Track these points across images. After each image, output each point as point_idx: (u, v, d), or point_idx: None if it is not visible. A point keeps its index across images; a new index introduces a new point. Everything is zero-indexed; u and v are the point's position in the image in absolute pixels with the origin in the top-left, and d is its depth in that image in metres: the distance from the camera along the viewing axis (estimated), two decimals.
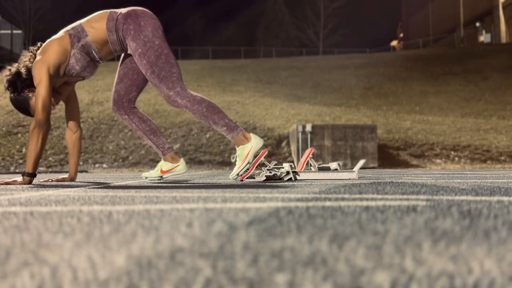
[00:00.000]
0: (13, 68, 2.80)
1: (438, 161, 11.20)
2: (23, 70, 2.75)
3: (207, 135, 12.23)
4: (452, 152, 11.61)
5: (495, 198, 1.32)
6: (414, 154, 11.52)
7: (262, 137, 12.00)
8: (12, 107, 14.84)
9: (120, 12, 2.80)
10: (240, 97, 16.70)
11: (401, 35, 52.98)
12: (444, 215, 0.93)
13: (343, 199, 1.35)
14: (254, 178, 2.99)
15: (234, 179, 2.93)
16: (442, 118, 14.74)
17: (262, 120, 13.65)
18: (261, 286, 0.43)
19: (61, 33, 2.81)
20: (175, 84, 2.73)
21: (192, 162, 11.15)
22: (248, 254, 0.56)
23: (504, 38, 34.63)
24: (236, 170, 2.88)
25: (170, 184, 2.50)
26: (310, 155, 3.39)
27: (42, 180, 3.05)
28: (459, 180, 2.68)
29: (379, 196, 1.42)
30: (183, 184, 2.49)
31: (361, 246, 0.61)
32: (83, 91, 16.59)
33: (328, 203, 1.21)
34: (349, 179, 3.02)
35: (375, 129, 10.30)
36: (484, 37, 35.46)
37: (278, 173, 2.97)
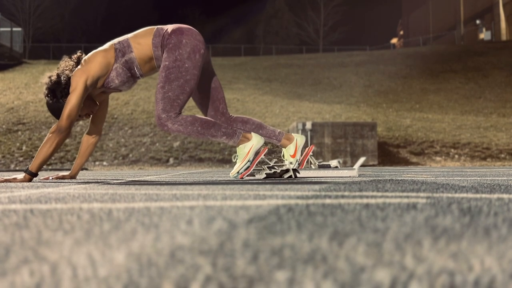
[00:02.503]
0: (54, 76, 2.80)
1: (438, 158, 11.20)
2: (63, 79, 2.76)
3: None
4: (452, 150, 11.61)
5: (495, 196, 1.32)
6: (414, 152, 11.52)
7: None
8: (12, 105, 14.83)
9: (167, 29, 2.80)
10: (240, 95, 16.69)
11: (401, 32, 52.92)
12: (444, 212, 0.93)
13: (343, 196, 1.35)
14: (254, 175, 2.99)
15: (235, 177, 2.93)
16: (442, 115, 14.74)
17: (262, 118, 13.64)
18: (261, 283, 0.43)
19: (107, 45, 2.82)
20: (172, 109, 2.68)
21: (192, 160, 11.15)
22: (248, 252, 0.56)
23: (504, 35, 34.60)
24: (236, 168, 2.88)
25: (170, 182, 2.50)
26: (310, 153, 3.39)
27: (41, 178, 3.04)
28: (459, 178, 2.68)
29: (379, 194, 1.42)
30: (183, 182, 2.49)
31: (361, 244, 0.60)
32: None
33: (328, 201, 1.21)
34: (349, 176, 3.02)
35: (375, 126, 10.30)
36: (484, 35, 35.42)
37: (278, 171, 2.97)
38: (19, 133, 12.71)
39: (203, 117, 2.79)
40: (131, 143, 11.97)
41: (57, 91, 2.78)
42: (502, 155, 11.36)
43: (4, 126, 13.10)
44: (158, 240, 0.65)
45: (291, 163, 3.03)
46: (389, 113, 14.95)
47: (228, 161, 10.85)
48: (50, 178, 3.03)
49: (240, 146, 2.86)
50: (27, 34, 35.14)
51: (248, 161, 2.85)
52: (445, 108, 15.96)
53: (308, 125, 10.00)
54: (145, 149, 11.66)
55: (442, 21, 41.56)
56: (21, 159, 11.15)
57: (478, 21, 37.27)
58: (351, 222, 0.81)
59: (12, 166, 10.67)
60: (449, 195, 1.37)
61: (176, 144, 11.83)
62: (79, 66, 2.75)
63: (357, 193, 1.45)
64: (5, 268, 0.50)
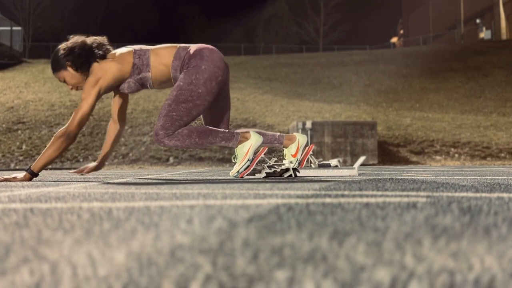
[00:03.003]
0: (85, 43, 2.78)
1: (438, 157, 11.20)
2: (77, 51, 2.74)
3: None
4: (452, 149, 11.61)
5: (495, 195, 1.32)
6: (414, 151, 11.52)
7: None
8: (12, 104, 14.83)
9: (189, 51, 2.78)
10: (240, 94, 16.69)
11: (401, 31, 52.89)
12: (444, 211, 0.93)
13: (343, 195, 1.35)
14: (254, 175, 2.99)
15: (235, 176, 2.93)
16: (442, 115, 14.74)
17: (262, 117, 13.64)
18: (261, 282, 0.43)
19: (128, 56, 2.78)
20: (172, 127, 2.68)
21: (192, 159, 11.16)
22: (248, 251, 0.56)
23: (504, 34, 34.58)
24: (236, 167, 2.88)
25: (170, 181, 2.50)
26: (310, 152, 3.39)
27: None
28: (459, 177, 2.68)
29: (379, 193, 1.42)
30: (183, 181, 2.49)
31: (361, 243, 0.60)
32: None
33: (328, 200, 1.21)
34: (349, 175, 3.02)
35: (375, 126, 10.30)
36: (485, 34, 35.41)
37: (278, 170, 2.97)
38: (19, 132, 12.71)
39: (198, 126, 2.78)
40: (131, 142, 11.97)
41: (70, 55, 2.76)
42: (502, 154, 11.36)
43: (4, 125, 13.10)
44: (158, 239, 0.65)
45: (291, 162, 3.03)
46: (389, 112, 14.95)
47: (228, 160, 10.85)
48: (79, 170, 3.17)
49: (239, 146, 2.86)
50: (27, 33, 35.13)
51: (248, 160, 2.85)
52: (445, 107, 15.95)
53: (308, 124, 10.00)
54: (145, 148, 11.66)
55: (442, 20, 41.54)
56: (21, 158, 11.15)
57: (478, 20, 37.25)
58: (351, 221, 0.81)
59: (12, 165, 10.67)
60: (449, 194, 1.37)
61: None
62: (95, 69, 2.72)
63: (357, 192, 1.45)
64: (5, 267, 0.50)
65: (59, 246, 0.61)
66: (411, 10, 48.48)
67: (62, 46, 2.84)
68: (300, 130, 9.91)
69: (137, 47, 2.84)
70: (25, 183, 2.48)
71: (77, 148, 11.71)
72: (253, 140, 2.86)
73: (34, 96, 15.81)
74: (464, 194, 1.37)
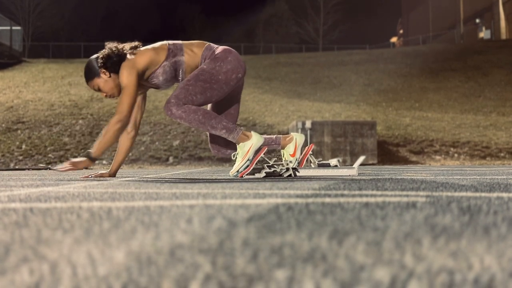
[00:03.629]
0: (115, 48, 2.88)
1: (437, 157, 11.20)
2: (116, 54, 2.85)
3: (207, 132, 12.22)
4: (452, 149, 11.62)
5: (495, 194, 1.32)
6: (413, 151, 11.52)
7: (261, 134, 12.00)
8: (12, 104, 14.82)
9: (218, 47, 2.99)
10: None
11: (401, 31, 52.89)
12: (444, 211, 0.93)
13: (342, 195, 1.35)
14: (254, 174, 2.99)
15: (234, 175, 2.93)
16: (441, 114, 14.74)
17: (261, 117, 13.65)
18: (261, 282, 0.43)
19: (159, 43, 2.96)
20: (185, 99, 2.76)
21: (192, 158, 11.15)
22: (248, 250, 0.56)
23: (504, 34, 34.59)
24: (236, 166, 2.88)
25: (169, 181, 2.50)
26: (310, 152, 3.39)
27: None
28: (459, 177, 2.68)
29: (379, 193, 1.42)
30: (183, 181, 2.49)
31: (360, 242, 0.60)
32: (83, 87, 16.57)
33: (327, 199, 1.21)
34: (349, 175, 3.02)
35: (375, 125, 10.30)
36: (484, 34, 35.42)
37: (278, 170, 2.98)
38: (19, 132, 12.70)
39: (207, 109, 2.87)
40: None
41: (109, 61, 2.87)
42: (502, 154, 11.36)
43: (3, 125, 13.09)
44: (158, 238, 0.65)
45: (290, 162, 3.03)
46: (388, 112, 14.95)
47: (227, 160, 10.85)
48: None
49: (240, 144, 2.87)
50: (27, 33, 35.11)
51: (248, 160, 2.86)
52: (445, 107, 15.96)
53: (308, 124, 10.00)
54: (144, 148, 11.66)
55: (442, 20, 41.55)
56: (20, 158, 11.14)
57: (477, 20, 37.26)
58: (351, 220, 0.81)
59: (12, 165, 10.67)
60: (449, 193, 1.37)
61: (175, 143, 11.83)
62: (131, 56, 2.84)
63: (357, 192, 1.45)
64: (4, 267, 0.50)
65: (58, 246, 0.61)
66: (410, 9, 48.49)
67: (99, 55, 2.93)
68: (299, 130, 9.91)
69: (168, 41, 2.99)
70: (25, 182, 2.48)
71: (76, 147, 11.71)
72: (254, 140, 2.87)
73: (34, 96, 15.81)
74: (464, 193, 1.37)
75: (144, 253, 0.55)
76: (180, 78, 2.97)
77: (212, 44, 3.01)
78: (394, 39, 52.36)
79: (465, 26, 38.62)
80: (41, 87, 17.14)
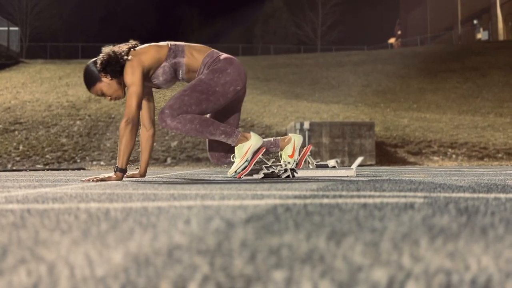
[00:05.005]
0: (113, 52, 2.83)
1: (435, 158, 11.22)
2: (114, 58, 2.80)
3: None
4: (450, 150, 11.64)
5: (492, 195, 1.33)
6: (411, 152, 11.54)
7: (260, 135, 12.00)
8: (9, 105, 14.79)
9: (221, 55, 2.93)
10: None
11: (399, 32, 52.98)
12: (442, 212, 0.93)
13: (340, 196, 1.35)
14: (252, 175, 2.99)
15: (233, 176, 2.93)
16: (439, 115, 14.77)
17: (260, 118, 13.65)
18: (259, 283, 0.43)
19: (162, 42, 2.93)
20: (179, 110, 2.73)
21: (190, 159, 11.15)
22: (246, 251, 0.56)
23: (501, 35, 34.67)
24: (234, 167, 2.88)
25: (167, 181, 2.50)
26: (308, 153, 3.39)
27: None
28: (457, 177, 2.68)
29: (377, 193, 1.42)
30: (181, 181, 2.48)
31: (358, 243, 0.61)
32: (80, 88, 16.54)
33: (326, 200, 1.21)
34: (347, 176, 3.02)
35: (373, 126, 10.31)
36: (482, 35, 35.50)
37: (276, 171, 2.98)
38: (16, 132, 12.67)
39: (202, 116, 2.81)
40: None
41: (109, 66, 2.82)
42: (499, 155, 11.39)
43: (1, 126, 13.06)
44: (156, 239, 0.65)
45: (289, 163, 3.04)
46: (387, 112, 14.97)
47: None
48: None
49: (239, 145, 2.87)
50: (24, 34, 35.05)
51: (246, 160, 2.86)
52: (443, 107, 15.99)
53: (306, 125, 10.01)
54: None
55: (440, 21, 41.64)
56: (18, 158, 11.12)
57: (475, 21, 37.35)
58: (349, 221, 0.81)
59: (9, 165, 10.64)
60: (447, 194, 1.37)
61: (173, 143, 11.82)
62: (132, 56, 2.79)
63: (355, 193, 1.45)
64: (2, 268, 0.50)
65: (56, 247, 0.61)
66: (408, 10, 48.58)
67: (97, 60, 2.87)
68: (298, 131, 9.91)
69: (170, 41, 2.96)
70: (22, 183, 2.48)
71: (74, 148, 11.69)
72: (253, 141, 2.87)
73: (31, 97, 15.78)
74: (462, 194, 1.38)
75: (142, 254, 0.55)
76: (180, 78, 2.95)
77: (215, 51, 2.96)
78: (392, 40, 52.45)
79: (463, 27, 38.72)
80: (39, 88, 17.11)
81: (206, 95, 2.77)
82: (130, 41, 2.95)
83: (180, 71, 2.90)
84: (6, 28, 22.02)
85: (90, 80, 2.88)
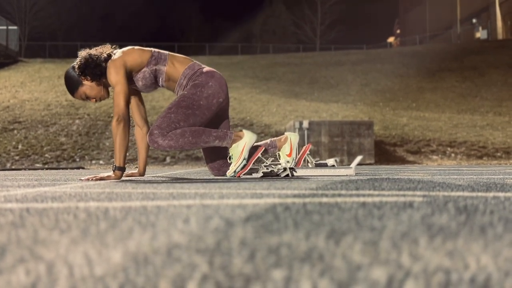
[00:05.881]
0: (89, 56, 2.84)
1: (434, 157, 11.23)
2: (93, 60, 2.81)
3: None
4: (449, 148, 11.65)
5: (491, 194, 1.33)
6: (410, 151, 11.55)
7: (258, 134, 12.01)
8: (8, 104, 14.77)
9: (202, 68, 2.95)
10: (237, 94, 16.68)
11: (398, 31, 52.98)
12: (441, 211, 0.93)
13: (340, 195, 1.35)
14: (251, 174, 2.99)
15: (231, 176, 2.93)
16: (438, 114, 14.78)
17: (259, 117, 13.65)
18: (258, 282, 0.43)
19: (146, 48, 2.94)
20: (168, 128, 2.73)
21: (189, 158, 11.15)
22: (245, 250, 0.56)
23: (500, 34, 34.70)
24: (232, 167, 2.88)
25: (166, 181, 2.50)
26: (307, 152, 3.39)
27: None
28: (456, 176, 2.69)
29: (376, 192, 1.42)
30: (180, 181, 2.48)
31: (358, 242, 0.61)
32: None
33: (325, 199, 1.21)
34: (346, 175, 3.02)
35: (372, 125, 10.32)
36: (481, 34, 35.52)
37: (275, 169, 2.98)
38: (15, 132, 12.66)
39: (192, 127, 2.81)
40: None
41: (87, 69, 2.83)
42: (498, 154, 11.40)
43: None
44: (155, 239, 0.65)
45: (288, 162, 3.04)
46: (385, 111, 14.98)
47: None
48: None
49: (233, 145, 2.87)
50: (23, 33, 35.00)
51: (244, 159, 2.85)
52: (442, 106, 16.00)
53: (305, 124, 10.01)
54: None
55: (439, 20, 41.65)
56: (17, 158, 11.11)
57: (474, 20, 37.38)
58: (348, 220, 0.81)
59: (8, 165, 10.63)
60: (445, 193, 1.37)
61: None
62: (115, 56, 2.80)
63: (354, 192, 1.45)
64: (1, 267, 0.50)
65: (55, 246, 0.61)
66: (407, 9, 48.59)
67: (74, 65, 2.88)
68: (297, 130, 9.91)
69: (155, 49, 2.98)
70: (21, 182, 2.48)
71: (73, 147, 11.69)
72: (247, 138, 2.86)
73: (30, 96, 15.76)
74: (460, 193, 1.38)
75: (141, 253, 0.55)
76: (160, 85, 2.96)
77: (196, 64, 2.98)
78: (391, 39, 52.45)
79: (462, 26, 38.74)
80: (38, 87, 17.09)
81: (192, 110, 2.80)
82: (107, 45, 2.95)
83: (160, 78, 2.92)
84: (5, 27, 21.98)
85: (72, 85, 2.90)
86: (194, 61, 3.01)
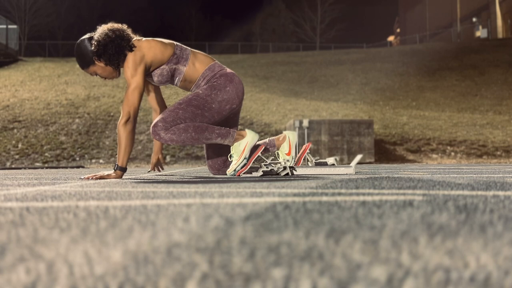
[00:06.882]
0: (111, 41, 2.70)
1: (434, 156, 11.23)
2: (111, 49, 2.68)
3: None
4: (448, 147, 11.65)
5: (491, 193, 1.33)
6: (410, 149, 11.55)
7: (258, 133, 12.00)
8: (8, 103, 14.77)
9: (223, 69, 2.90)
10: None
11: (398, 30, 52.95)
12: (440, 209, 0.93)
13: (340, 194, 1.35)
14: (251, 173, 2.99)
15: (231, 175, 2.93)
16: (438, 113, 14.77)
17: (259, 116, 13.64)
18: (258, 280, 0.43)
19: (169, 41, 2.85)
20: (172, 123, 2.69)
21: (189, 157, 11.15)
22: (245, 249, 0.56)
23: (500, 33, 34.68)
24: (233, 165, 2.88)
25: (166, 180, 2.50)
26: (307, 150, 3.39)
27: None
28: (455, 175, 2.69)
29: (376, 191, 1.43)
30: (180, 180, 2.48)
31: (357, 241, 0.61)
32: (79, 86, 16.53)
33: (325, 198, 1.21)
34: (346, 174, 3.02)
35: (372, 124, 10.32)
36: (481, 32, 35.50)
37: (275, 168, 2.98)
38: (15, 131, 12.66)
39: (195, 122, 2.78)
40: None
41: (104, 55, 2.71)
42: (498, 153, 11.40)
43: None
44: (155, 237, 0.65)
45: (287, 160, 3.04)
46: (385, 110, 14.97)
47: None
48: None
49: (235, 144, 2.87)
50: (23, 32, 34.98)
51: (245, 158, 2.85)
52: (442, 105, 15.99)
53: (305, 123, 10.01)
54: (141, 147, 11.64)
55: (439, 19, 41.63)
56: (17, 157, 11.10)
57: (474, 19, 37.34)
58: (348, 219, 0.81)
59: (8, 164, 10.63)
60: (445, 192, 1.37)
61: None
62: (135, 48, 2.71)
63: (354, 191, 1.45)
64: (1, 266, 0.50)
65: (55, 245, 0.61)
66: (407, 8, 48.55)
67: (92, 41, 2.74)
68: (297, 129, 9.91)
69: (178, 43, 2.90)
70: (21, 181, 2.48)
71: (73, 146, 11.68)
72: (249, 138, 2.86)
73: (30, 95, 15.75)
74: (460, 192, 1.38)
75: (141, 252, 0.55)
76: (175, 83, 2.91)
77: (217, 64, 2.91)
78: (391, 38, 52.44)
79: (462, 25, 38.71)
80: (38, 86, 17.08)
81: (202, 111, 2.76)
82: (137, 34, 2.86)
83: (177, 78, 2.87)
84: (4, 26, 21.96)
85: (83, 62, 2.80)
86: (215, 60, 2.95)
